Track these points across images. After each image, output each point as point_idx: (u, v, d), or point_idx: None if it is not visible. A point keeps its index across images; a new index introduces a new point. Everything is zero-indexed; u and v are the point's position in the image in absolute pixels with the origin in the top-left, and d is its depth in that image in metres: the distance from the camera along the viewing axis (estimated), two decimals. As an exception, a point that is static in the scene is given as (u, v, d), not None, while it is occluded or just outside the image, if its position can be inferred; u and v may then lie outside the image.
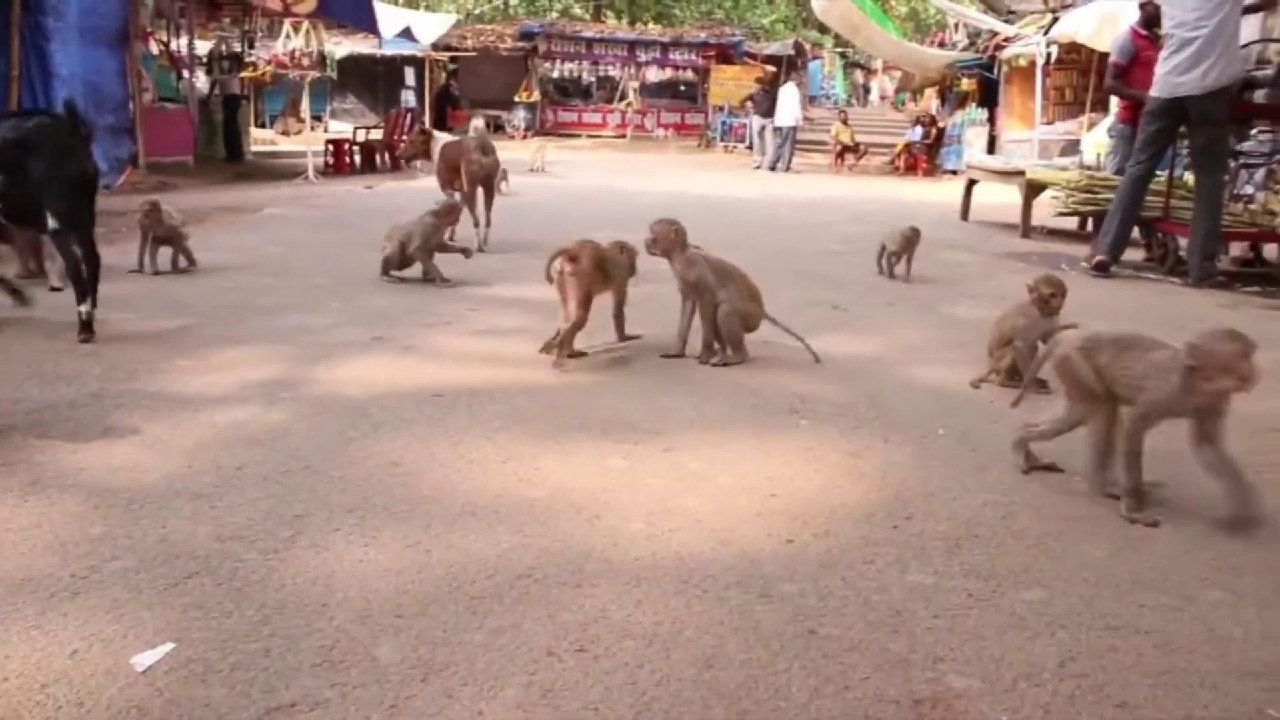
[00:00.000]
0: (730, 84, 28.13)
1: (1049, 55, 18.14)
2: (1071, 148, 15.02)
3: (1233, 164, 8.77)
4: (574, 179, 15.89)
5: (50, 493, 2.69)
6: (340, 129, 21.38)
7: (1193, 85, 6.80)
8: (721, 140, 27.53)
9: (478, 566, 2.34)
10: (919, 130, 22.52)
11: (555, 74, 31.40)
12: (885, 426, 3.55)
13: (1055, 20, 18.18)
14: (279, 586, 2.21)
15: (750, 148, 23.80)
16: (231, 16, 19.48)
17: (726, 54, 29.44)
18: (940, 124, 22.64)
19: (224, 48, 19.29)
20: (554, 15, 34.81)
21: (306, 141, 15.82)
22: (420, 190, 9.58)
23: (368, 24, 17.73)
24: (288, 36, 17.16)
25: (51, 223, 4.43)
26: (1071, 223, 10.16)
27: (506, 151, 17.10)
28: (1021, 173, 10.24)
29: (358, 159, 16.65)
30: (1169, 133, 7.20)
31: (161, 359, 4.13)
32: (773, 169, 20.76)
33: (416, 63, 27.90)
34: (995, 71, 21.11)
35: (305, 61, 16.78)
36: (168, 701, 1.79)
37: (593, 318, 4.40)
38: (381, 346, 4.50)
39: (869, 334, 5.16)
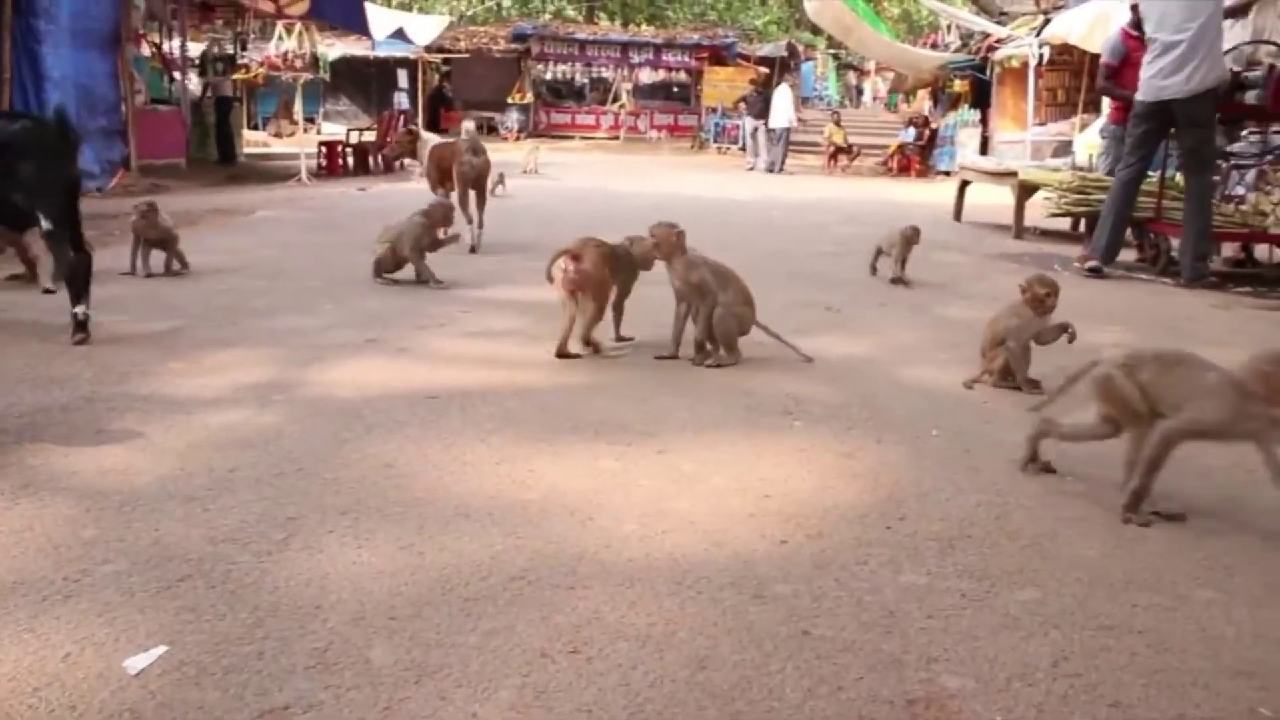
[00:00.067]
0: (723, 85, 28.15)
1: (1041, 56, 18.17)
2: (1064, 149, 15.04)
3: (1224, 165, 8.80)
4: (567, 181, 15.89)
5: (42, 495, 2.69)
6: (333, 131, 21.34)
7: (1177, 88, 6.84)
8: (715, 142, 27.54)
9: (471, 568, 2.34)
10: (912, 131, 22.54)
11: (548, 76, 31.39)
12: (878, 427, 3.56)
13: (1047, 22, 18.21)
14: (272, 589, 2.21)
15: (743, 149, 23.81)
16: (224, 18, 19.45)
17: (719, 55, 29.46)
18: (933, 125, 22.67)
19: (216, 49, 19.25)
20: (547, 17, 34.80)
21: (299, 143, 15.79)
22: (413, 192, 9.56)
23: (359, 25, 17.72)
24: (280, 38, 17.08)
25: (45, 224, 4.43)
26: (1064, 223, 10.19)
27: (500, 153, 17.10)
28: (1014, 174, 10.25)
29: (351, 161, 16.62)
30: (1156, 135, 7.22)
31: (154, 361, 4.12)
32: (771, 170, 20.78)
33: (409, 65, 27.88)
34: (988, 73, 21.14)
35: (298, 63, 16.71)
36: (160, 704, 1.78)
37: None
38: (375, 348, 4.49)
39: (862, 335, 5.16)
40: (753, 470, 3.07)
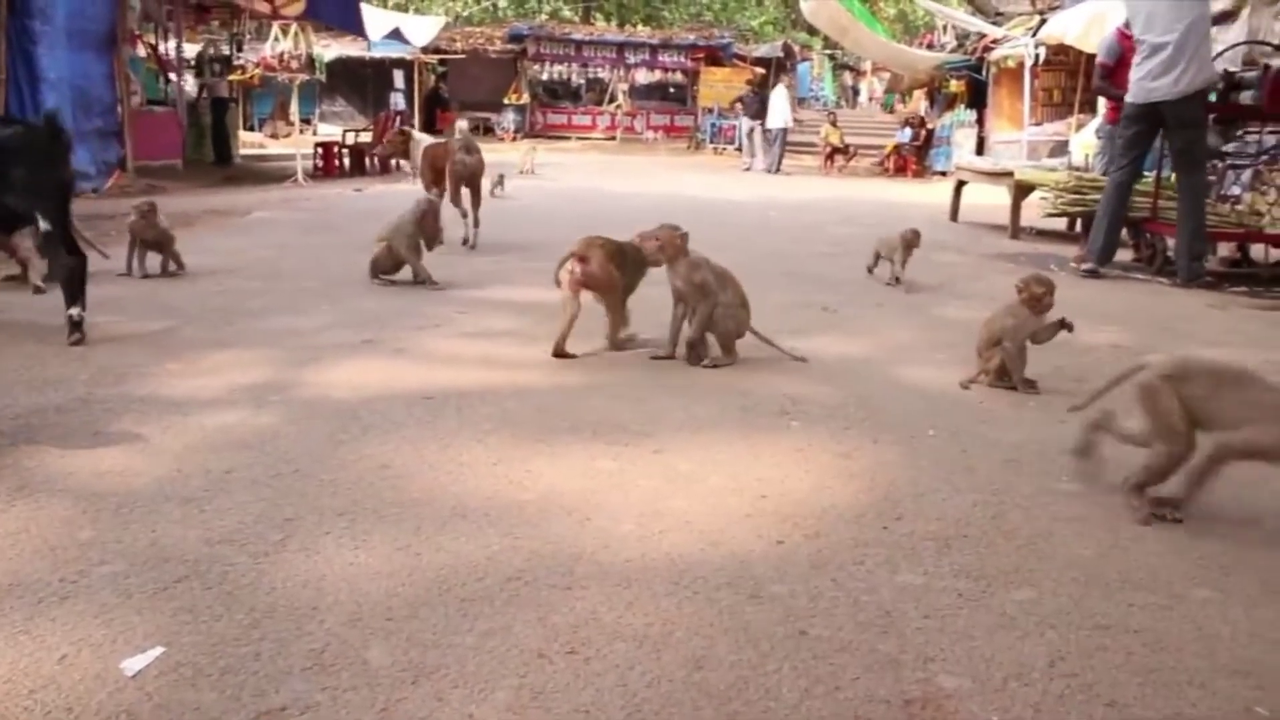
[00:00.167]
0: (719, 86, 28.18)
1: (1037, 57, 18.21)
2: (1060, 149, 15.08)
3: (1219, 165, 8.82)
4: (564, 181, 15.89)
5: (38, 497, 2.68)
6: (329, 131, 21.35)
7: (1166, 90, 6.86)
8: (711, 142, 27.57)
9: (468, 569, 2.34)
10: (908, 132, 22.58)
11: (545, 76, 31.41)
12: (875, 427, 3.56)
13: (1043, 22, 18.25)
14: (269, 590, 2.21)
15: (740, 150, 23.83)
16: (219, 19, 19.44)
17: (715, 56, 29.47)
18: (929, 125, 22.71)
19: (212, 50, 19.24)
20: (543, 17, 34.79)
21: (295, 144, 15.80)
22: (409, 193, 9.55)
23: (355, 26, 17.70)
24: (276, 39, 17.09)
25: (44, 225, 4.44)
26: (1060, 223, 10.20)
27: (496, 154, 17.11)
28: (1010, 174, 10.26)
29: (347, 162, 16.62)
30: (1147, 136, 7.24)
31: (150, 362, 4.12)
32: (770, 171, 20.80)
33: (405, 65, 27.88)
34: (984, 73, 21.18)
35: (294, 64, 16.73)
36: (157, 706, 1.78)
37: (588, 320, 4.42)
38: (371, 349, 4.49)
39: (859, 335, 5.17)
40: (750, 470, 3.07)
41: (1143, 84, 7.01)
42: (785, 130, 21.39)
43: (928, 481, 3.03)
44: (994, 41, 20.50)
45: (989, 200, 11.22)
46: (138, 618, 2.07)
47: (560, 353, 4.37)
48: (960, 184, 11.58)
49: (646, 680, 1.91)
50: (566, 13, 36.44)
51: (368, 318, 5.13)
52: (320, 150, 16.55)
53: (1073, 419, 3.72)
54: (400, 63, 27.76)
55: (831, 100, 37.66)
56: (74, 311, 4.42)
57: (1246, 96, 7.74)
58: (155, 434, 3.22)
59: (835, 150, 22.65)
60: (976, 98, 21.40)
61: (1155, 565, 2.50)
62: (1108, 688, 1.94)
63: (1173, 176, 7.69)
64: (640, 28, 35.43)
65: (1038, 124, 18.58)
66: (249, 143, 20.94)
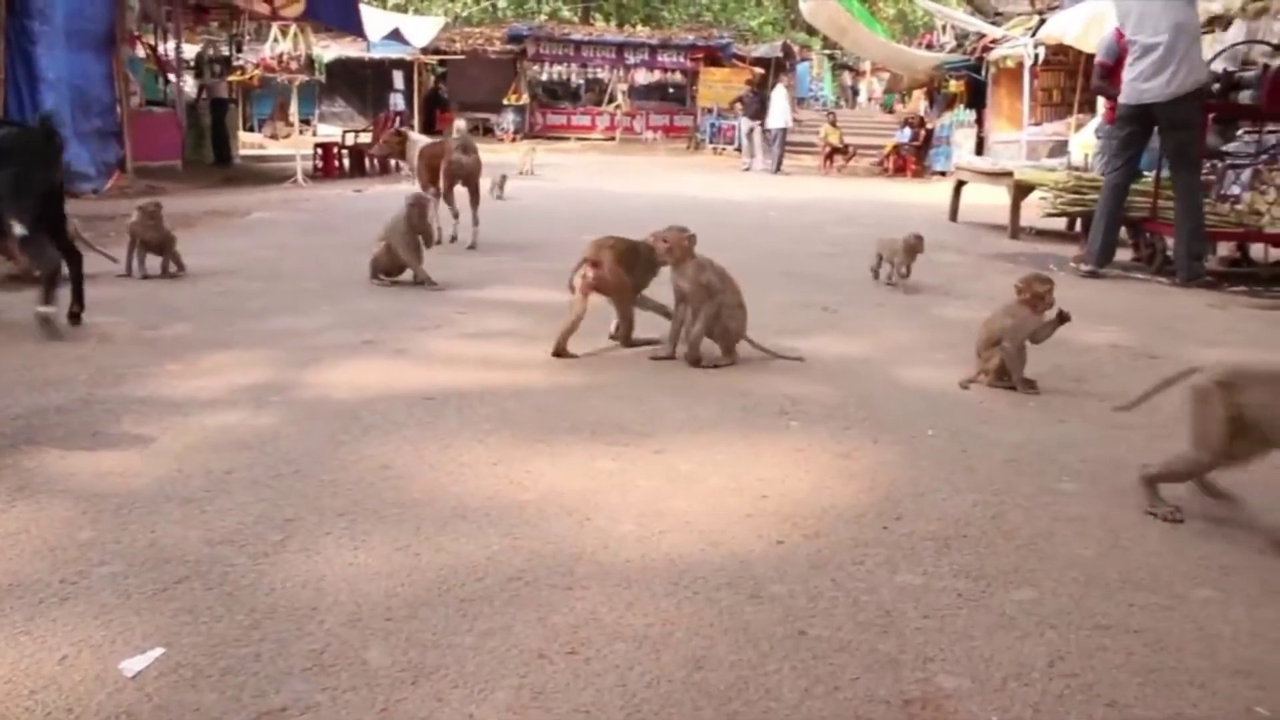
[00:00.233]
0: (719, 86, 28.19)
1: (1036, 57, 18.22)
2: (1059, 149, 15.08)
3: (1219, 165, 8.82)
4: (563, 182, 15.90)
5: (38, 498, 2.68)
6: (329, 132, 21.35)
7: (1157, 92, 6.87)
8: (710, 142, 27.59)
9: (468, 569, 2.34)
10: (907, 132, 22.59)
11: (544, 77, 31.42)
12: (875, 427, 3.56)
13: (1042, 22, 18.26)
14: (269, 591, 2.21)
15: (739, 150, 23.84)
16: (219, 20, 19.43)
17: (715, 56, 29.49)
18: (929, 125, 22.72)
19: (211, 51, 19.24)
20: (542, 18, 34.80)
21: (295, 145, 15.81)
22: (409, 193, 9.56)
23: (354, 27, 17.71)
24: (275, 40, 17.13)
25: (18, 230, 4.48)
26: (1060, 223, 10.21)
27: (496, 155, 17.12)
28: (1010, 174, 10.27)
29: (346, 162, 16.62)
30: (1141, 137, 7.25)
31: (150, 363, 4.12)
32: (770, 171, 20.81)
33: (405, 66, 27.90)
34: (983, 73, 21.19)
35: (293, 65, 16.77)
36: (157, 707, 1.78)
37: (589, 320, 4.42)
38: (371, 350, 4.49)
39: (858, 335, 5.17)
40: (750, 470, 3.07)
41: (1135, 85, 7.03)
42: (785, 130, 21.40)
43: (927, 481, 3.03)
44: (993, 41, 20.52)
45: (988, 200, 11.23)
46: (137, 618, 2.07)
47: (560, 352, 4.38)
48: (960, 184, 11.59)
49: (646, 680, 1.91)
50: (566, 13, 36.46)
51: (368, 318, 5.13)
52: (320, 151, 16.55)
53: (1073, 418, 3.74)
54: (400, 63, 27.79)
55: (831, 100, 37.67)
56: (44, 310, 4.46)
57: (1245, 96, 7.74)
58: (155, 434, 3.22)
59: (835, 150, 22.66)
60: (976, 98, 21.41)
61: (1156, 565, 2.50)
62: (1108, 688, 1.94)
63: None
64: (639, 28, 35.45)
65: (1037, 124, 18.60)
66: (248, 143, 20.94)
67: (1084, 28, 15.14)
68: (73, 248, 4.95)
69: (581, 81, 31.74)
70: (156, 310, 5.23)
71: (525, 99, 29.43)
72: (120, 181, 11.83)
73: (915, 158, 22.21)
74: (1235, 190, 8.66)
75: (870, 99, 39.20)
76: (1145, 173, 7.88)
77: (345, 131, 18.66)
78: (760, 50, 31.13)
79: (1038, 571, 2.44)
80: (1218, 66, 8.34)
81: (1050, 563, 2.49)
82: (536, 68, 30.67)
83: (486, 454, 3.15)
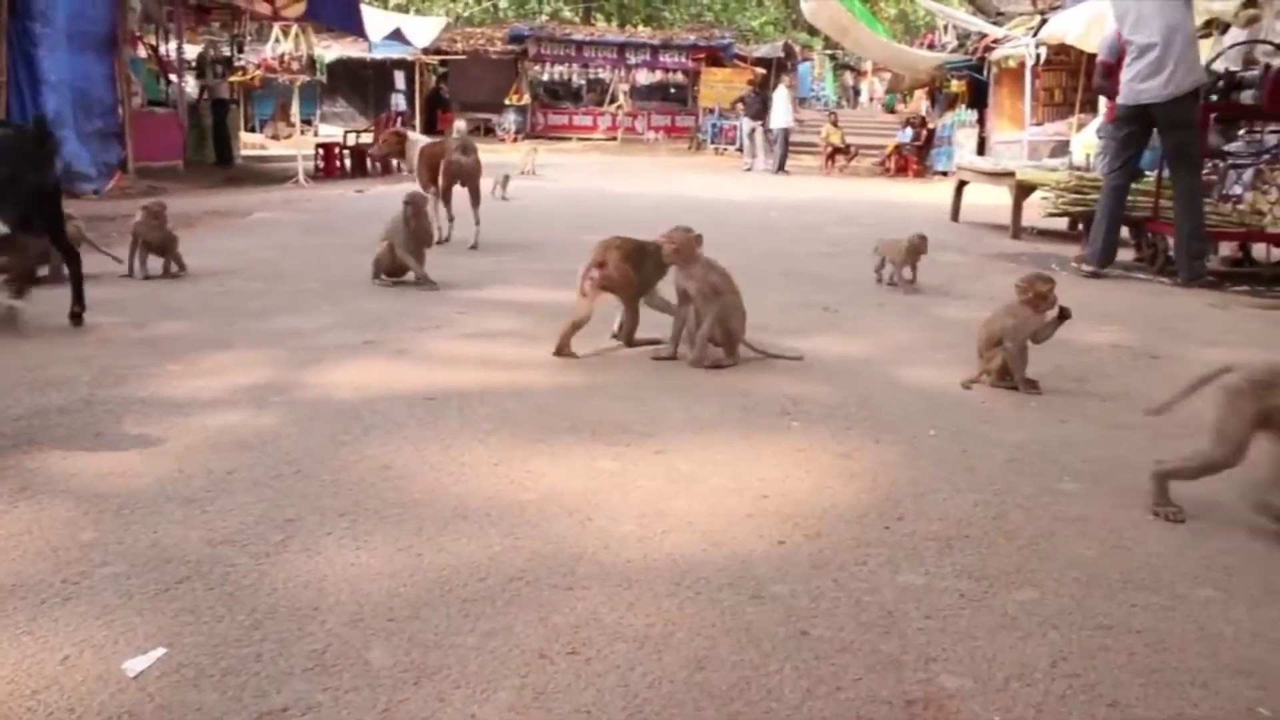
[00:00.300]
0: (720, 86, 28.19)
1: (1038, 56, 18.21)
2: (1061, 149, 15.06)
3: (1221, 164, 8.81)
4: (565, 182, 15.90)
5: (41, 498, 2.68)
6: (330, 133, 21.39)
7: (1155, 93, 6.87)
8: (712, 143, 27.58)
9: (469, 569, 2.34)
10: (909, 132, 22.58)
11: (545, 77, 31.41)
12: (876, 427, 3.56)
13: (1044, 22, 18.24)
14: (270, 591, 2.21)
15: (740, 150, 23.84)
16: (220, 21, 19.45)
17: (716, 56, 29.49)
18: (930, 125, 22.71)
19: (212, 52, 19.25)
20: (544, 18, 34.80)
21: (296, 145, 15.80)
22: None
23: (355, 27, 17.71)
24: (277, 40, 17.09)
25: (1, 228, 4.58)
26: (1061, 223, 10.20)
27: (498, 155, 17.11)
28: (1011, 174, 10.26)
29: (348, 163, 16.63)
30: (1139, 137, 7.24)
31: (152, 364, 4.12)
32: (772, 171, 20.81)
33: (406, 66, 27.90)
34: (985, 73, 21.18)
35: (295, 65, 16.72)
36: (159, 707, 1.78)
37: (591, 321, 4.42)
38: (372, 350, 4.49)
39: (859, 335, 5.16)
40: (751, 470, 3.07)
41: (1132, 85, 7.03)
42: (788, 130, 21.39)
43: (929, 482, 3.03)
44: (995, 41, 20.50)
45: (990, 200, 11.22)
46: (139, 619, 2.07)
47: (562, 351, 4.39)
48: (961, 184, 11.58)
49: (648, 681, 1.91)
50: (567, 13, 36.46)
51: (369, 318, 5.13)
52: (321, 151, 16.56)
53: (1075, 418, 3.74)
54: (401, 64, 27.79)
55: (832, 100, 37.67)
56: (15, 303, 4.58)
57: (1247, 96, 7.73)
58: (157, 435, 3.22)
59: (836, 150, 22.66)
60: (977, 98, 21.40)
61: (1157, 565, 2.49)
62: (1110, 688, 1.94)
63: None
64: (641, 28, 35.46)
65: (1039, 124, 18.58)
66: (250, 144, 20.96)
67: (1085, 27, 15.12)
68: (72, 248, 4.98)
69: (583, 82, 31.74)
70: (158, 310, 5.23)
71: (527, 99, 29.43)
72: (122, 182, 11.84)
73: (917, 158, 22.21)
74: (1237, 190, 8.66)
75: (872, 99, 39.19)
76: (1147, 173, 7.88)
77: (347, 132, 18.67)
78: (762, 50, 31.13)
79: (1039, 572, 2.44)
80: (1220, 66, 8.34)
81: (1052, 563, 2.49)
82: (538, 68, 30.67)
83: (487, 454, 3.15)
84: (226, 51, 19.82)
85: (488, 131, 27.92)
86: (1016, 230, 10.01)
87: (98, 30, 12.08)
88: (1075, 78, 18.33)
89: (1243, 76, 7.94)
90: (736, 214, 11.55)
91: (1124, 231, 8.05)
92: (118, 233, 6.81)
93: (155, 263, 6.18)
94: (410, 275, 6.11)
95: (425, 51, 26.45)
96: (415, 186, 7.66)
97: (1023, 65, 18.64)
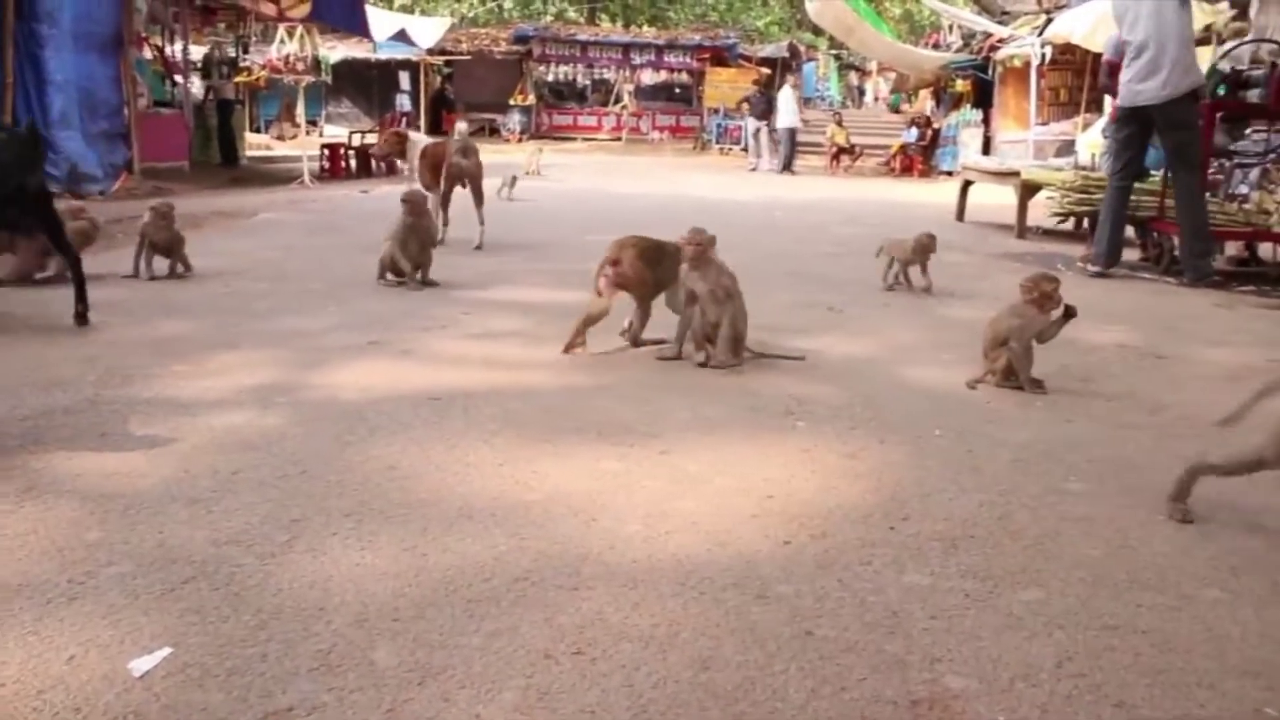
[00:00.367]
0: (725, 86, 28.17)
1: (1043, 56, 18.18)
2: (1066, 148, 15.03)
3: (1227, 164, 8.79)
4: (570, 182, 15.91)
5: (46, 499, 2.69)
6: (335, 133, 21.40)
7: (1152, 94, 6.86)
8: (717, 143, 27.57)
9: (475, 569, 2.34)
10: (914, 132, 22.56)
11: (550, 77, 31.42)
12: (881, 427, 3.55)
13: (1049, 21, 18.21)
14: (276, 591, 2.21)
15: (745, 150, 23.84)
16: (226, 21, 19.48)
17: (721, 56, 29.48)
18: (935, 125, 22.68)
19: (217, 53, 19.28)
20: (548, 18, 34.81)
21: (301, 146, 15.82)
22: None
23: (359, 27, 17.73)
24: (282, 41, 17.11)
25: None
26: (1067, 222, 10.18)
27: (502, 155, 17.13)
28: (1017, 173, 10.25)
29: (353, 163, 16.65)
30: (1139, 138, 7.23)
31: (157, 364, 4.12)
32: (783, 170, 20.81)
33: (411, 67, 27.93)
34: (990, 72, 21.14)
35: (300, 66, 16.74)
36: (165, 706, 1.78)
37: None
38: (377, 350, 4.50)
39: (864, 335, 5.16)
40: (756, 471, 3.07)
41: (1130, 86, 7.03)
42: (795, 130, 21.37)
43: (934, 482, 3.02)
44: (1000, 41, 20.46)
45: (995, 200, 11.21)
46: (145, 618, 2.07)
47: (572, 346, 4.40)
48: (966, 184, 11.57)
49: (653, 681, 1.91)
50: (572, 14, 36.46)
51: (374, 319, 5.14)
52: (326, 152, 16.58)
53: (1080, 418, 3.73)
54: (406, 64, 27.82)
55: (837, 100, 37.62)
56: None
57: (1253, 95, 7.72)
58: (162, 435, 3.23)
59: (841, 150, 22.65)
60: (982, 97, 21.36)
61: (1164, 565, 2.49)
62: (1116, 688, 1.93)
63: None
64: (645, 28, 35.47)
65: (1044, 123, 18.54)
66: (255, 144, 21.00)
67: (1091, 27, 15.09)
68: (72, 249, 5.01)
69: (588, 82, 31.73)
70: (163, 311, 5.24)
71: (531, 99, 29.43)
72: (127, 183, 11.86)
73: (922, 157, 22.18)
74: (1243, 189, 8.64)
75: (877, 99, 39.13)
76: (1153, 172, 7.86)
77: (352, 132, 18.69)
78: (766, 50, 31.12)
79: (1045, 572, 2.43)
80: (1225, 65, 8.32)
81: (1057, 563, 2.48)
82: (543, 68, 30.67)
83: (492, 454, 3.15)
84: (232, 52, 19.85)
85: (493, 132, 27.95)
86: (1022, 230, 9.99)
87: (103, 31, 12.10)
88: (1081, 77, 18.29)
89: (1249, 75, 7.93)
90: (741, 214, 11.55)
91: (1130, 231, 8.03)
92: (124, 234, 6.82)
93: (161, 264, 6.19)
94: (418, 275, 6.11)
95: (430, 52, 26.48)
96: (416, 186, 7.67)
97: (1028, 65, 18.60)
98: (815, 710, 1.84)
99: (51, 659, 1.92)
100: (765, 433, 3.46)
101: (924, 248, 6.33)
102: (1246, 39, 10.32)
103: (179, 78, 16.59)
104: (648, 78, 31.29)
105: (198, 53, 19.25)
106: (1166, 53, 6.78)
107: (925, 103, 26.20)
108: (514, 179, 12.49)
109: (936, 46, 27.53)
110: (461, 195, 7.95)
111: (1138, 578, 2.41)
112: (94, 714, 1.76)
